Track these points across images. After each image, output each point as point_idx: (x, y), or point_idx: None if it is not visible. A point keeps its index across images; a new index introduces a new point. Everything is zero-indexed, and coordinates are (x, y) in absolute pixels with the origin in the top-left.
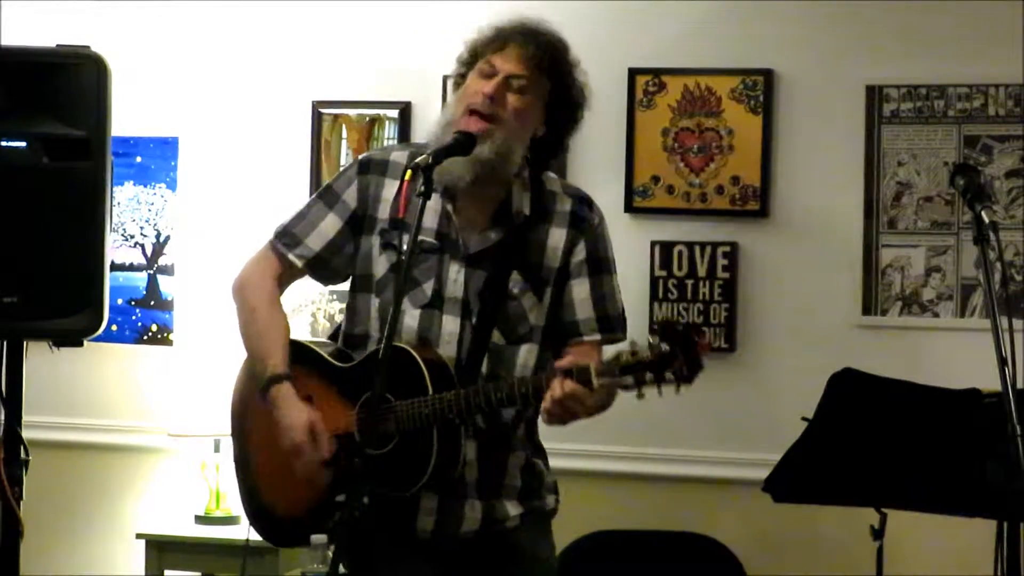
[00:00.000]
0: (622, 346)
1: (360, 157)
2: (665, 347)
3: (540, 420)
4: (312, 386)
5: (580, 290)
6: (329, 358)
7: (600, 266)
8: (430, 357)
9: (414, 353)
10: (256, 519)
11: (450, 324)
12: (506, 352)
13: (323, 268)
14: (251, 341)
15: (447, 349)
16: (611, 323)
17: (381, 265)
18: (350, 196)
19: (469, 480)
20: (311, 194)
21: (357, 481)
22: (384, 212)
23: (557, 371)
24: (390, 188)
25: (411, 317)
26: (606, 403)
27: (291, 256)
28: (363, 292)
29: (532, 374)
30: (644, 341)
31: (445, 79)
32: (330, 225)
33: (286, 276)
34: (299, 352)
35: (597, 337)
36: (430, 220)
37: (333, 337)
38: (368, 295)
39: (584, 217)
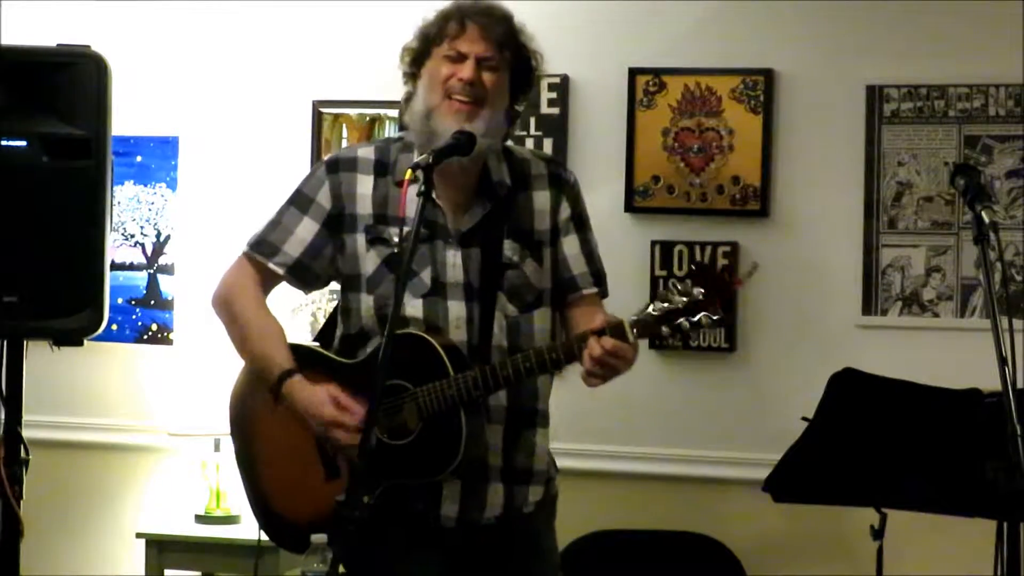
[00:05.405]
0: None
1: (326, 158)
2: (698, 291)
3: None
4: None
5: (571, 246)
6: (335, 356)
7: (584, 223)
8: (444, 342)
9: (429, 338)
10: (268, 526)
11: (456, 309)
12: (522, 321)
13: (304, 273)
14: (249, 347)
15: (457, 334)
16: (601, 277)
17: (370, 262)
18: (323, 197)
19: (493, 465)
20: None
21: (363, 477)
22: (365, 208)
23: (589, 332)
24: (364, 183)
25: (413, 308)
26: (633, 358)
27: (271, 265)
28: (353, 292)
29: (550, 338)
30: (672, 289)
31: None
32: (306, 229)
33: (267, 285)
34: (301, 355)
35: (594, 290)
36: (416, 209)
37: (320, 340)
38: (359, 294)
39: (562, 177)
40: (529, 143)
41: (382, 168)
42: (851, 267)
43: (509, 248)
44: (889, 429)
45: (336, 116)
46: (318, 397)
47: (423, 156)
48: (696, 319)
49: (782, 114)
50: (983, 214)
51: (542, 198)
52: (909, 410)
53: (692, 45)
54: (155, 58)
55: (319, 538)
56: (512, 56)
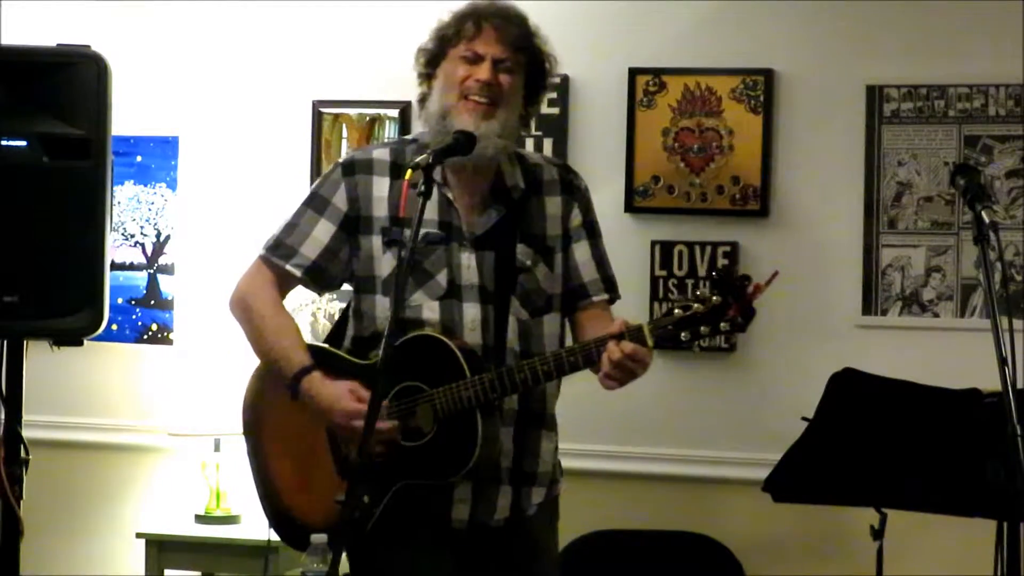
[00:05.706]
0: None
1: (341, 160)
2: (717, 298)
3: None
4: None
5: (582, 253)
6: (350, 356)
7: (595, 230)
8: (461, 344)
9: (446, 340)
10: (278, 524)
11: (471, 311)
12: (533, 325)
13: (321, 275)
14: (266, 346)
15: (472, 337)
16: (613, 284)
17: (386, 264)
18: (340, 199)
19: (504, 467)
20: None
21: (362, 478)
22: (381, 210)
23: (608, 336)
24: (380, 185)
25: (430, 310)
26: (650, 362)
27: (288, 267)
28: (368, 293)
29: (559, 343)
30: (692, 295)
31: None
32: (323, 231)
33: (283, 288)
34: (315, 355)
35: (605, 297)
36: (431, 211)
37: (329, 343)
38: (374, 296)
39: (574, 183)
40: (529, 143)
41: (397, 170)
42: (851, 267)
43: (522, 252)
44: (889, 429)
45: (336, 116)
46: (337, 391)
47: (423, 156)
48: (718, 326)
49: (782, 114)
50: (983, 214)
51: (554, 204)
52: (909, 410)
53: (692, 45)
54: (155, 58)
55: (319, 538)
56: (527, 58)
